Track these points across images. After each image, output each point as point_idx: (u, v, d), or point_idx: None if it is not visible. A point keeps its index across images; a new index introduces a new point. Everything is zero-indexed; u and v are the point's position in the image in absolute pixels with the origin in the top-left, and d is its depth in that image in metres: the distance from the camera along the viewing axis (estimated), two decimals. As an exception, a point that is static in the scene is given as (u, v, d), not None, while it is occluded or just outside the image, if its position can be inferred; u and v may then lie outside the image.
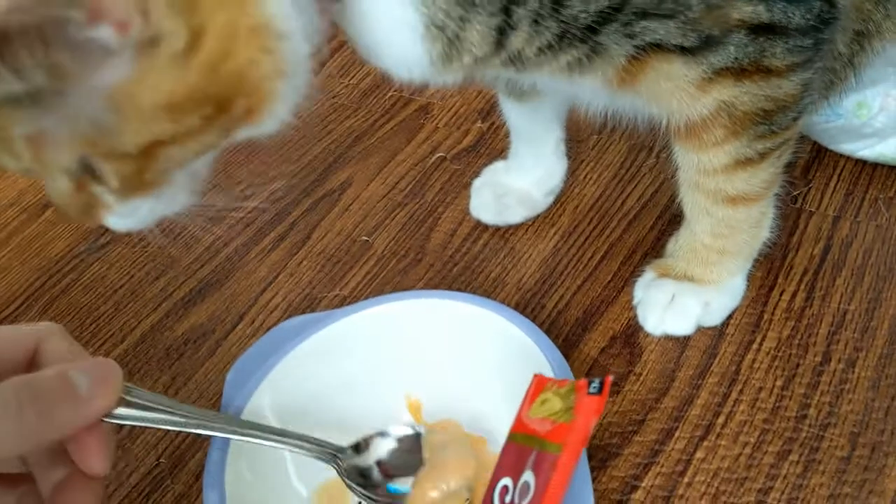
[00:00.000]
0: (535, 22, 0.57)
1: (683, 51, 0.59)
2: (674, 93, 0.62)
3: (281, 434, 0.60)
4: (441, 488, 0.61)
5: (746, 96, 0.62)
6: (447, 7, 0.56)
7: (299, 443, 0.60)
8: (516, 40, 0.59)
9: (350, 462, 0.62)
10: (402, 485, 0.62)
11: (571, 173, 0.89)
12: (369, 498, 0.62)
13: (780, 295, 0.76)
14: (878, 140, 0.83)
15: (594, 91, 0.65)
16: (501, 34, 0.58)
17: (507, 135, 0.88)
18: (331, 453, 0.61)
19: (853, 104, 0.82)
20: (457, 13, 0.57)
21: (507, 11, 0.57)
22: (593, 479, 0.57)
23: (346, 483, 0.61)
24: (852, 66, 0.73)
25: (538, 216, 0.87)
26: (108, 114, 0.49)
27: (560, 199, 0.88)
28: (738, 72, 0.61)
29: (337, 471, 0.61)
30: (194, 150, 0.53)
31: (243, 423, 0.62)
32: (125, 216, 0.57)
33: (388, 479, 0.63)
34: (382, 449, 0.64)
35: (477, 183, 0.90)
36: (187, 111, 0.50)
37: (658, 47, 0.59)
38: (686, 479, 0.65)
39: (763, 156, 0.67)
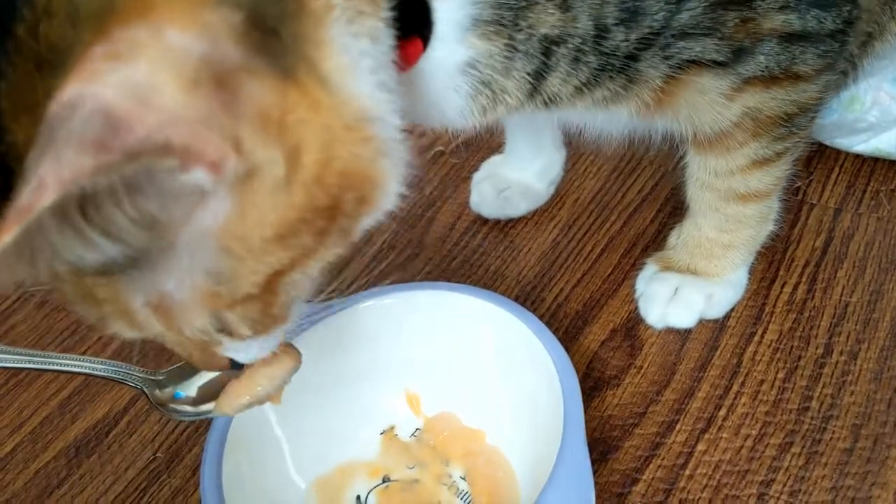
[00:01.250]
0: (576, 60, 0.56)
1: (716, 64, 0.59)
2: (708, 105, 0.61)
3: (76, 360, 0.60)
4: (252, 392, 0.58)
5: (773, 101, 0.62)
6: (492, 62, 0.55)
7: (98, 366, 0.60)
8: (552, 82, 0.57)
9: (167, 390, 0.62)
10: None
11: (571, 166, 0.89)
12: (175, 411, 0.61)
13: (782, 287, 0.76)
14: (873, 134, 0.83)
15: (625, 118, 0.64)
16: (537, 79, 0.56)
17: (504, 129, 0.88)
18: (140, 377, 0.61)
19: (846, 99, 0.82)
20: (501, 66, 0.55)
21: (546, 53, 0.55)
22: (594, 472, 0.56)
23: (153, 405, 0.61)
24: (857, 66, 0.74)
25: (537, 209, 0.87)
26: (220, 259, 0.44)
27: (560, 192, 0.88)
28: (769, 79, 0.60)
29: (144, 394, 0.61)
30: (317, 268, 0.48)
31: (30, 353, 0.61)
32: (245, 351, 0.53)
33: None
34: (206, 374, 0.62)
35: (477, 177, 0.89)
36: (300, 232, 0.45)
37: (693, 63, 0.58)
38: (687, 472, 0.65)
39: (780, 155, 0.67)
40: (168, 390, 0.61)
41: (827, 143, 0.86)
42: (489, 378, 0.67)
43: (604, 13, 0.54)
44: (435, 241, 0.86)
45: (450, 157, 0.95)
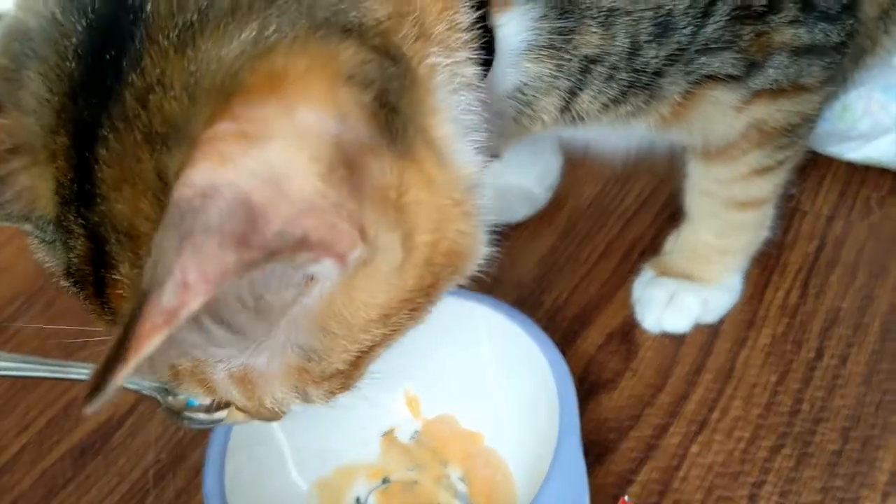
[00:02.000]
0: (609, 77, 0.56)
1: (730, 77, 0.60)
2: (719, 117, 0.62)
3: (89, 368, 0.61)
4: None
5: (779, 113, 0.63)
6: (539, 84, 0.54)
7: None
8: (584, 99, 0.57)
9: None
10: None
11: (569, 171, 0.90)
12: (188, 419, 0.62)
13: (775, 292, 0.77)
14: (864, 142, 0.84)
15: (642, 132, 0.64)
16: (571, 96, 0.56)
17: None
18: (152, 385, 0.61)
19: (838, 108, 0.83)
20: (546, 87, 0.55)
21: (584, 72, 0.55)
22: (589, 474, 0.57)
23: (166, 413, 0.62)
24: (847, 78, 0.75)
25: (536, 214, 0.88)
26: (316, 338, 0.43)
27: (558, 198, 0.89)
28: (776, 92, 0.61)
29: (157, 403, 0.61)
30: (399, 337, 0.48)
31: (42, 361, 0.61)
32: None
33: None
34: None
35: (476, 182, 0.90)
36: (401, 311, 0.44)
37: (709, 78, 0.59)
38: (681, 474, 0.66)
39: (781, 163, 0.68)
40: (181, 398, 0.61)
41: (820, 150, 0.87)
42: (487, 381, 0.68)
43: (639, 30, 0.54)
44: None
45: (449, 163, 0.96)
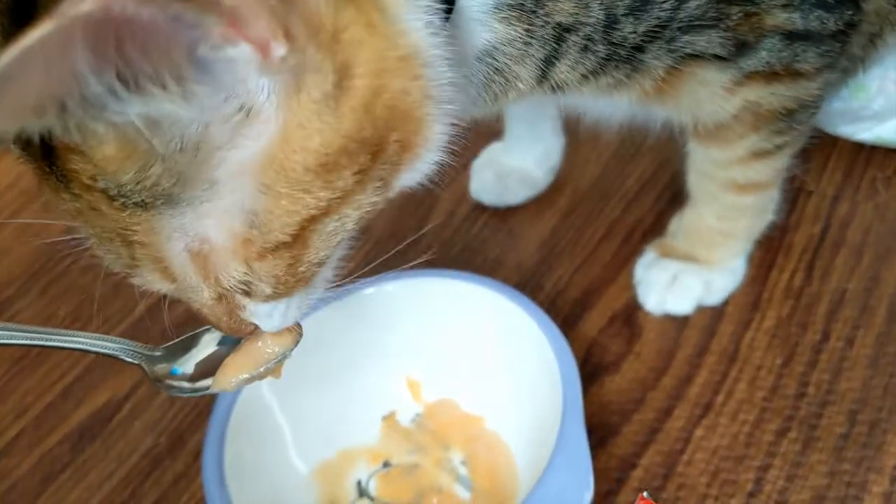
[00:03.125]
0: (585, 48, 0.56)
1: (718, 58, 0.59)
2: (709, 97, 0.62)
3: (74, 336, 0.60)
4: (251, 368, 0.57)
5: (773, 97, 0.62)
6: (510, 49, 0.54)
7: (97, 342, 0.60)
8: (561, 69, 0.57)
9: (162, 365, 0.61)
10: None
11: (571, 153, 0.89)
12: (172, 388, 0.61)
13: (780, 274, 0.76)
14: (876, 123, 0.83)
15: (626, 104, 0.64)
16: (547, 65, 0.56)
17: (503, 115, 0.88)
18: (137, 352, 0.61)
19: (851, 87, 0.82)
20: (518, 53, 0.54)
21: (559, 41, 0.55)
22: (593, 458, 0.57)
23: (150, 381, 0.61)
24: (862, 62, 0.74)
25: (537, 196, 0.87)
26: (258, 198, 0.43)
27: (559, 180, 0.88)
28: (770, 75, 0.61)
29: (143, 370, 0.61)
30: (352, 218, 0.47)
31: (26, 329, 0.60)
32: (268, 316, 0.52)
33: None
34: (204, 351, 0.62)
35: (476, 164, 0.90)
36: (342, 166, 0.44)
37: (696, 56, 0.59)
38: (685, 457, 0.65)
39: (779, 148, 0.67)
40: (164, 366, 0.61)
41: (829, 131, 0.86)
42: (489, 364, 0.67)
43: (615, 3, 0.54)
44: (434, 228, 0.86)
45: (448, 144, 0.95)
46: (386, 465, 0.67)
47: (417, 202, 0.89)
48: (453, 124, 0.48)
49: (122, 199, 0.42)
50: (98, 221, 0.44)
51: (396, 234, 0.86)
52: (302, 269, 0.48)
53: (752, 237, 0.76)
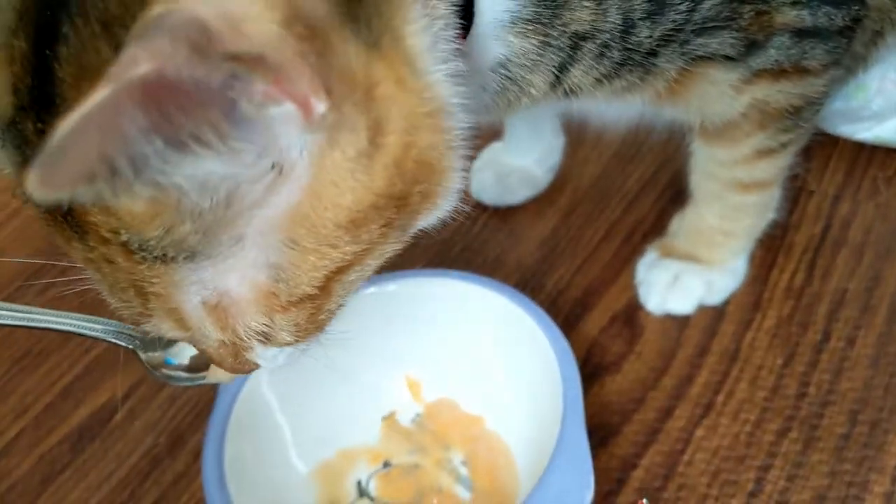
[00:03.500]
0: (601, 55, 0.55)
1: (727, 58, 0.59)
2: (718, 96, 0.62)
3: (64, 317, 0.60)
4: None
5: (781, 95, 0.62)
6: (524, 60, 0.54)
7: (86, 324, 0.60)
8: (575, 74, 0.56)
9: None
10: None
11: (571, 153, 0.89)
12: (167, 376, 0.61)
13: (781, 274, 0.76)
14: (876, 123, 0.83)
15: (637, 106, 0.64)
16: (561, 71, 0.56)
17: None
18: (129, 336, 0.60)
19: (851, 87, 0.82)
20: (532, 63, 0.54)
21: (574, 48, 0.54)
22: (593, 458, 0.57)
23: (145, 367, 0.60)
24: (864, 60, 0.74)
25: (538, 196, 0.87)
26: (285, 252, 0.43)
27: (560, 179, 0.88)
28: (778, 73, 0.61)
29: (136, 355, 0.60)
30: (373, 266, 0.47)
31: (30, 310, 0.60)
32: (273, 359, 0.51)
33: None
34: None
35: (477, 164, 0.89)
36: (370, 221, 0.43)
37: (707, 57, 0.59)
38: (686, 457, 0.65)
39: (784, 146, 0.67)
40: (159, 354, 0.60)
41: (829, 131, 0.86)
42: (489, 364, 0.67)
43: (633, 6, 0.54)
44: (435, 228, 0.86)
45: (450, 145, 0.95)
46: (386, 465, 0.67)
47: (418, 202, 0.89)
48: (467, 160, 0.47)
49: (143, 254, 0.41)
50: (112, 272, 0.43)
51: (397, 234, 0.86)
52: (322, 317, 0.48)
53: (753, 237, 0.76)
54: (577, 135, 0.91)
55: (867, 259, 0.76)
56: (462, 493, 0.64)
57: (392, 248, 0.47)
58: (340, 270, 0.45)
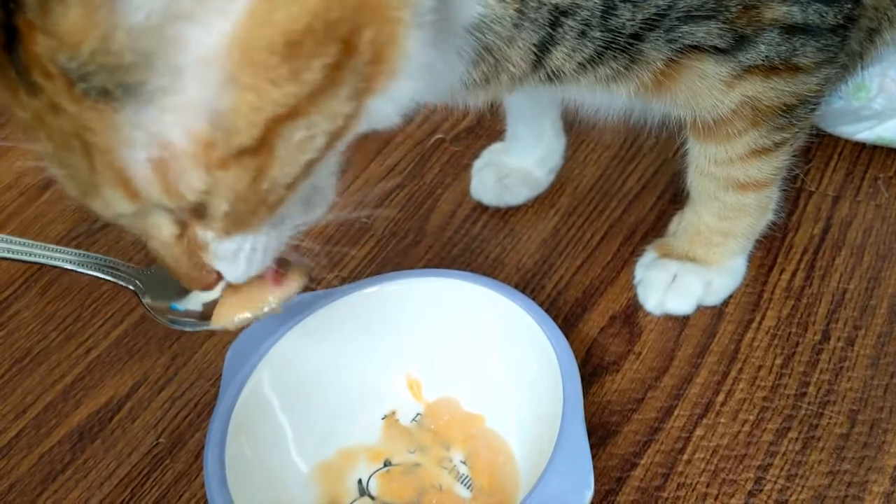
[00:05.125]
0: (582, 34, 0.56)
1: (717, 50, 0.59)
2: (707, 91, 0.62)
3: (59, 251, 0.59)
4: (251, 309, 0.56)
5: (772, 92, 0.62)
6: (500, 28, 0.54)
7: (82, 259, 0.59)
8: (557, 56, 0.57)
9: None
10: None
11: (571, 154, 0.89)
12: (173, 321, 0.60)
13: (780, 274, 0.76)
14: (877, 122, 0.83)
15: (624, 98, 0.64)
16: (542, 51, 0.56)
17: (505, 116, 0.88)
18: (128, 275, 0.59)
19: (851, 87, 0.82)
20: (508, 33, 0.54)
21: (554, 25, 0.55)
22: (593, 457, 0.57)
23: (146, 308, 0.60)
24: (861, 59, 0.74)
25: (538, 197, 0.87)
26: (223, 91, 0.42)
27: (560, 180, 0.88)
28: (769, 69, 0.61)
29: (137, 296, 0.59)
30: (320, 131, 0.46)
31: (28, 243, 0.59)
32: (232, 259, 0.50)
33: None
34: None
35: (477, 164, 0.90)
36: (309, 53, 0.42)
37: (694, 48, 0.59)
38: (685, 457, 0.65)
39: (779, 145, 0.67)
40: (161, 301, 0.59)
41: (830, 130, 0.86)
42: (489, 364, 0.67)
43: None
44: (435, 228, 0.87)
45: (450, 145, 0.95)
46: (386, 464, 0.67)
47: (418, 203, 0.89)
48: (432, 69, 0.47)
49: (84, 85, 0.41)
50: (58, 125, 0.43)
51: (397, 234, 0.86)
52: (266, 186, 0.46)
53: (751, 237, 0.75)
54: (577, 136, 0.91)
55: (867, 260, 0.76)
56: (462, 491, 0.64)
57: (342, 111, 0.46)
58: (281, 119, 0.44)
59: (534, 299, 0.66)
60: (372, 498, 0.65)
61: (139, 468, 0.71)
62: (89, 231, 0.92)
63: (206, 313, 0.59)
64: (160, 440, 0.72)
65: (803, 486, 0.62)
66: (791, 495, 0.62)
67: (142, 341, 0.80)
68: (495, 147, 0.90)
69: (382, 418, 0.69)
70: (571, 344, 0.62)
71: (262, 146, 0.44)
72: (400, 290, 0.69)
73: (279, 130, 0.44)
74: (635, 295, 0.77)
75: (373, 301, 0.69)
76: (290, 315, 0.67)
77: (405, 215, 0.88)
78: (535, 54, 0.56)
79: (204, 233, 0.48)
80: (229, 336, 0.77)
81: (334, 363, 0.68)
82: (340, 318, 0.68)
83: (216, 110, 0.42)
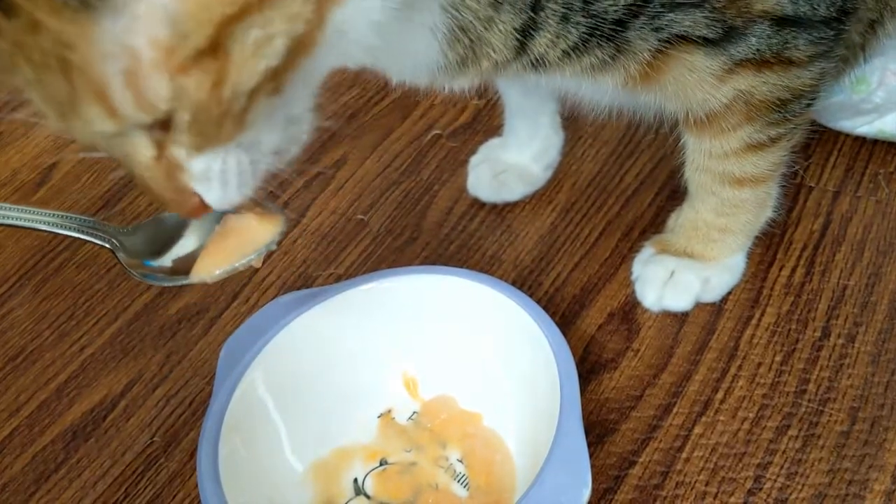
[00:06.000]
0: (564, 19, 0.55)
1: (706, 42, 0.58)
2: (697, 84, 0.61)
3: (35, 213, 0.59)
4: (230, 261, 0.57)
5: (765, 86, 0.62)
6: (478, 7, 0.54)
7: (59, 220, 0.59)
8: (540, 42, 0.56)
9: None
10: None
11: (569, 150, 0.89)
12: (146, 275, 0.60)
13: (780, 270, 0.76)
14: (877, 116, 0.83)
15: (614, 90, 0.63)
16: (525, 36, 0.56)
17: (503, 111, 0.87)
18: (103, 233, 0.60)
19: (852, 80, 0.82)
20: (485, 14, 0.54)
21: (535, 8, 0.54)
22: (591, 455, 0.57)
23: (123, 267, 0.60)
24: (863, 51, 0.74)
25: (535, 193, 0.87)
26: None
27: (557, 176, 0.88)
28: (760, 63, 0.60)
29: (113, 254, 0.59)
30: (276, 33, 0.46)
31: (9, 207, 0.59)
32: (206, 180, 0.50)
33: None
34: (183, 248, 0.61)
35: (474, 160, 0.89)
36: None
37: (682, 39, 0.58)
38: (684, 455, 0.65)
39: (774, 140, 0.67)
40: (136, 260, 0.60)
41: (830, 125, 0.85)
42: (486, 361, 0.67)
43: None
44: (432, 225, 0.86)
45: (447, 141, 0.95)
46: (382, 463, 0.66)
47: (415, 199, 0.89)
48: None
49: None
50: (36, 46, 0.43)
51: (393, 231, 0.86)
52: (227, 94, 0.46)
53: (750, 234, 0.75)
54: (574, 132, 0.91)
55: (867, 256, 0.76)
56: (459, 490, 0.64)
57: (295, 10, 0.45)
58: (231, 19, 0.44)
59: (531, 296, 0.66)
60: (368, 497, 0.64)
61: (133, 467, 0.70)
62: (83, 228, 0.91)
63: (177, 268, 0.59)
64: (154, 439, 0.72)
65: (803, 485, 0.62)
66: (791, 493, 0.62)
67: (136, 339, 0.80)
68: (492, 143, 0.89)
69: (378, 417, 0.68)
70: (569, 341, 0.62)
71: (217, 48, 0.44)
72: (396, 287, 0.69)
73: (232, 31, 0.44)
74: (633, 292, 0.76)
75: (369, 298, 0.68)
76: (284, 312, 0.67)
77: (401, 212, 0.88)
78: (518, 39, 0.55)
79: (178, 151, 0.49)
80: (223, 335, 0.77)
81: (329, 361, 0.67)
82: (336, 316, 0.68)
83: (172, 14, 0.43)
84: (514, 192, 0.86)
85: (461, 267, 0.77)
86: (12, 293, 0.87)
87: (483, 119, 0.97)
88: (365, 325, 0.68)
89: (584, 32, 0.56)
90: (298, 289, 0.80)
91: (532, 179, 0.87)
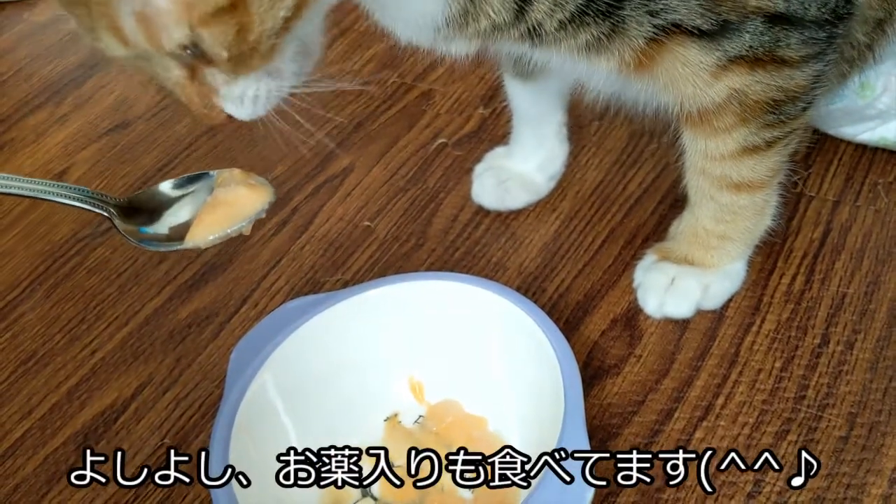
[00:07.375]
0: None
1: (701, 35, 0.60)
2: (689, 78, 0.62)
3: (32, 182, 0.61)
4: (222, 228, 0.61)
5: (758, 85, 0.63)
6: None
7: (57, 190, 0.61)
8: (539, 9, 0.58)
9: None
10: None
11: (573, 158, 0.90)
12: (142, 240, 0.63)
13: (780, 278, 0.77)
14: (881, 122, 0.83)
15: (608, 75, 0.65)
16: (525, 1, 0.58)
17: (508, 120, 0.88)
18: (100, 202, 0.62)
19: (856, 85, 0.82)
20: None
21: None
22: (594, 459, 0.57)
23: (121, 234, 0.62)
24: (871, 51, 0.74)
25: (539, 201, 0.88)
26: None
27: (561, 184, 0.89)
28: (753, 61, 0.61)
29: (111, 221, 0.62)
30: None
31: (7, 177, 0.61)
32: (239, 101, 0.56)
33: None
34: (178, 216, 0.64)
35: (478, 168, 0.90)
36: None
37: (677, 28, 0.59)
38: (685, 459, 0.65)
39: (770, 144, 0.67)
40: (132, 226, 0.62)
41: (831, 132, 0.86)
42: (491, 366, 0.68)
43: None
44: (438, 232, 0.87)
45: (453, 150, 0.96)
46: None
47: (420, 206, 0.90)
48: None
49: None
50: None
51: (400, 237, 0.87)
52: (253, 37, 0.52)
53: (749, 242, 0.76)
54: (578, 140, 0.92)
55: (866, 264, 0.77)
56: (464, 492, 0.65)
57: None
58: None
59: (535, 302, 0.66)
60: (374, 499, 0.65)
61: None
62: (94, 234, 0.93)
63: (172, 235, 0.63)
64: (164, 441, 0.73)
65: (802, 489, 0.63)
66: (790, 497, 0.62)
67: (146, 343, 0.81)
68: (497, 151, 0.90)
69: (385, 420, 0.69)
70: (573, 347, 0.63)
71: (237, 4, 0.50)
72: (402, 293, 0.69)
73: None
74: (636, 298, 0.77)
75: (375, 304, 0.69)
76: (293, 317, 0.68)
77: (407, 219, 0.89)
78: (517, 4, 0.58)
79: (213, 77, 0.55)
80: (232, 339, 0.78)
81: (337, 365, 0.68)
82: (343, 321, 0.69)
83: None
84: (517, 200, 0.87)
85: (466, 273, 0.78)
86: (24, 297, 0.88)
87: (488, 128, 0.98)
88: (372, 330, 0.69)
89: (580, 4, 0.58)
90: (306, 294, 0.82)
91: (535, 189, 0.88)
